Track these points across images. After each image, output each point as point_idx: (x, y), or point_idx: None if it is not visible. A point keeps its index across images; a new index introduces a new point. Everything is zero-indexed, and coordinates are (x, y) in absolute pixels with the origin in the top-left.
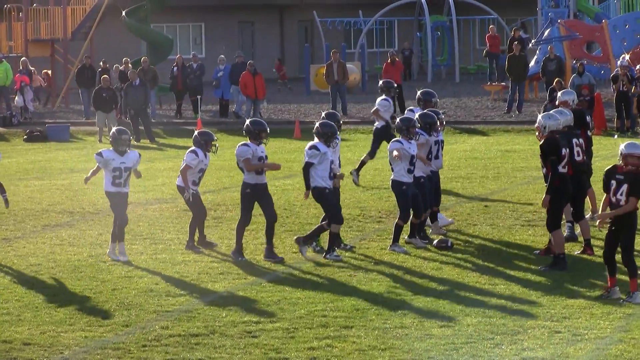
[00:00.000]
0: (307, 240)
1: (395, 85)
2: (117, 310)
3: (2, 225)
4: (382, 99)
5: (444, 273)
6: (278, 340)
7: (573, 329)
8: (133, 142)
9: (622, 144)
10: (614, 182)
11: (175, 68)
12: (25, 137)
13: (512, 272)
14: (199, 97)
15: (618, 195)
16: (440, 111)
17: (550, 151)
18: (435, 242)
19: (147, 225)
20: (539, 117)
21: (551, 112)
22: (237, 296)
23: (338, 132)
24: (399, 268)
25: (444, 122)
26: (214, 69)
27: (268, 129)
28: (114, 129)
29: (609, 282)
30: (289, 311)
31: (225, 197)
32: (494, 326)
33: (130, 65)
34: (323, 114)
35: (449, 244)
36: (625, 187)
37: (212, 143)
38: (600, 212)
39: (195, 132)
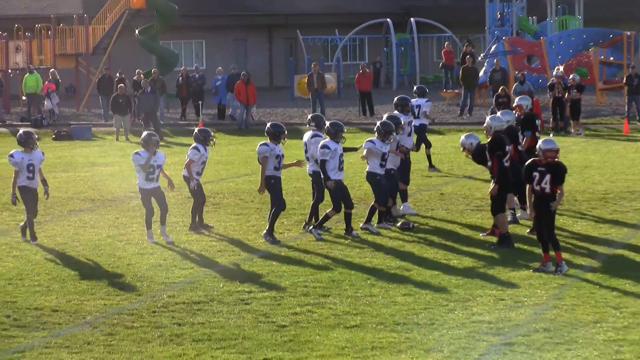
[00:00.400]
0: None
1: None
2: (131, 281)
3: None
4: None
5: (407, 249)
6: (267, 306)
7: (515, 297)
8: None
9: (539, 141)
10: (536, 174)
11: (180, 78)
12: (53, 136)
13: (464, 249)
14: (200, 102)
15: (542, 184)
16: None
17: (496, 148)
18: (399, 224)
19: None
20: (487, 118)
21: (497, 114)
22: (232, 270)
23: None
24: (368, 245)
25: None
26: (213, 78)
27: (286, 131)
28: (144, 133)
29: (544, 258)
30: (276, 282)
31: (222, 186)
32: (448, 295)
33: (142, 75)
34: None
35: (411, 226)
36: (548, 177)
37: (210, 138)
38: (528, 200)
39: (196, 130)
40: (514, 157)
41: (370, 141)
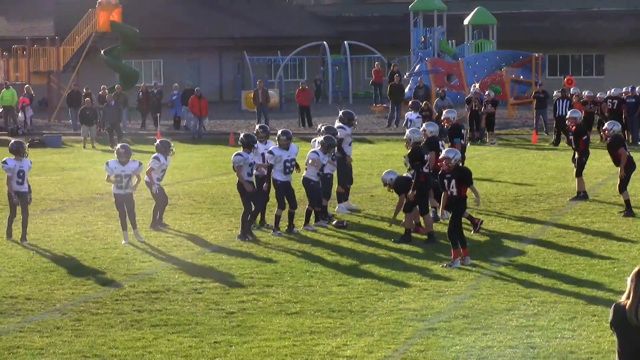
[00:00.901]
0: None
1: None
2: (96, 273)
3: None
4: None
5: (341, 245)
6: (217, 295)
7: (437, 287)
8: (107, 148)
9: (443, 151)
10: (445, 181)
11: (140, 93)
12: (28, 144)
13: (391, 245)
14: (158, 114)
15: (451, 189)
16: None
17: (415, 158)
18: (334, 222)
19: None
20: (407, 132)
21: (418, 127)
22: (186, 262)
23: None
24: (307, 242)
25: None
26: (170, 93)
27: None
28: (118, 146)
29: (453, 254)
30: (225, 274)
31: (177, 189)
32: (378, 285)
33: (106, 90)
34: (322, 128)
35: (344, 224)
36: (454, 181)
37: (170, 149)
38: (442, 203)
39: (157, 141)
40: (435, 165)
41: (315, 152)
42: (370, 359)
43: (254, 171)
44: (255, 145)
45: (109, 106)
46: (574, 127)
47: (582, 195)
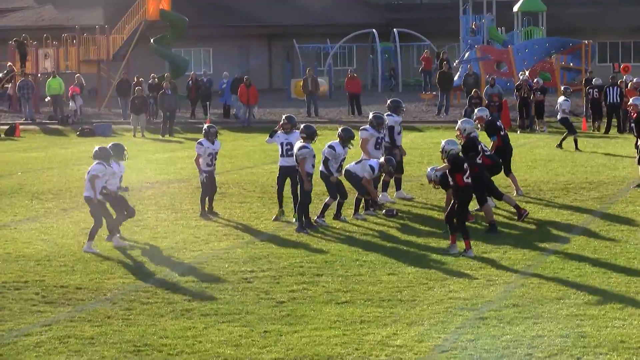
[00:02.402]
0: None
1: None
2: (146, 262)
3: (60, 199)
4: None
5: (391, 234)
6: (267, 284)
7: (487, 276)
8: (158, 137)
9: (442, 141)
10: (467, 166)
11: (190, 81)
12: (78, 133)
13: (441, 234)
14: (208, 103)
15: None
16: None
17: (469, 149)
18: (384, 211)
19: (169, 198)
20: (459, 122)
21: (468, 119)
22: (236, 251)
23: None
24: (356, 231)
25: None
26: (219, 82)
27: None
28: (206, 126)
29: (451, 239)
30: (275, 263)
31: (227, 178)
32: (428, 274)
33: (165, 78)
34: (340, 130)
35: (395, 212)
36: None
37: (204, 130)
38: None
39: (205, 125)
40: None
41: (331, 147)
42: (420, 348)
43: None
44: (278, 134)
45: (166, 94)
46: (635, 115)
47: None
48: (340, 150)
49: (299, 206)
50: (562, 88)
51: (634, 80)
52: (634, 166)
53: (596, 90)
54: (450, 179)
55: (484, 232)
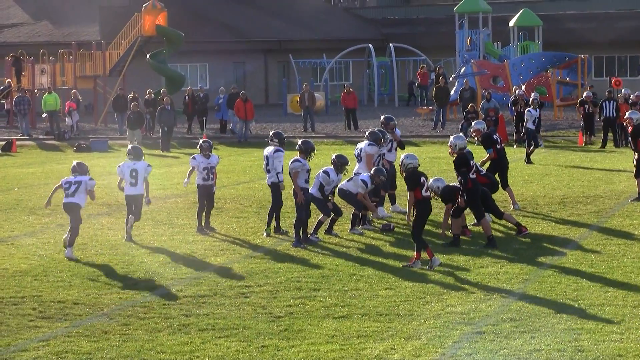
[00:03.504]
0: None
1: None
2: (143, 277)
3: (57, 215)
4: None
5: (388, 249)
6: (264, 299)
7: (484, 291)
8: (155, 152)
9: (402, 155)
10: (424, 179)
11: (186, 97)
12: (74, 148)
13: (438, 247)
14: (204, 118)
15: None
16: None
17: (461, 164)
18: (381, 225)
19: (166, 214)
20: (451, 138)
21: (459, 134)
22: (233, 266)
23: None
24: (353, 246)
25: (389, 138)
26: (216, 97)
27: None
28: (200, 141)
29: (415, 256)
30: (272, 278)
31: (224, 192)
32: (425, 288)
33: (153, 95)
34: (333, 157)
35: (391, 227)
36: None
37: (199, 146)
38: (409, 206)
39: (200, 141)
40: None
41: (325, 172)
42: None
43: (268, 178)
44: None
45: (165, 110)
46: (631, 128)
47: None
48: (335, 177)
49: (295, 221)
50: (531, 99)
51: (622, 91)
52: (630, 180)
53: (588, 105)
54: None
55: (483, 247)
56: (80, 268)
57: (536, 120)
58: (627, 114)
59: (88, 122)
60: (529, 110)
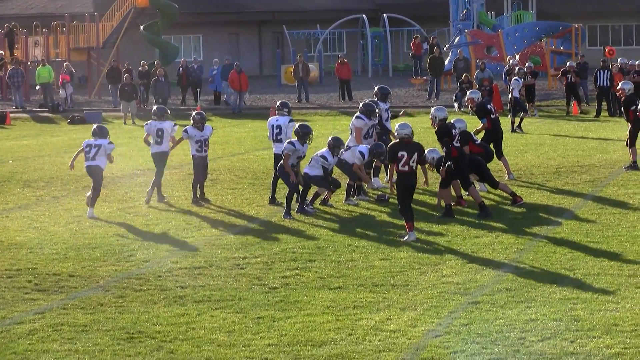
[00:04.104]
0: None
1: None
2: (139, 249)
3: (52, 187)
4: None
5: (383, 219)
6: (260, 270)
7: (479, 261)
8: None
9: (396, 124)
10: (404, 153)
11: (180, 68)
12: (68, 120)
13: (433, 218)
14: (198, 89)
15: (410, 163)
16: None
17: (443, 134)
18: (376, 196)
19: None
20: (432, 110)
21: (440, 106)
22: (228, 238)
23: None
24: (348, 215)
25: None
26: (210, 69)
27: (313, 133)
28: (194, 114)
29: (408, 227)
30: (267, 249)
31: (219, 164)
32: (420, 259)
33: (147, 66)
34: (330, 139)
35: (386, 198)
36: (415, 155)
37: (192, 118)
38: (389, 178)
39: (193, 113)
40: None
41: (323, 157)
42: (413, 333)
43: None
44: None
45: (159, 81)
46: (623, 97)
47: (634, 165)
48: (332, 159)
49: (287, 194)
50: (516, 69)
51: (619, 60)
52: (624, 149)
53: (571, 74)
54: (413, 164)
55: (476, 217)
56: (75, 240)
57: (521, 90)
58: (619, 84)
59: (82, 95)
60: (516, 79)
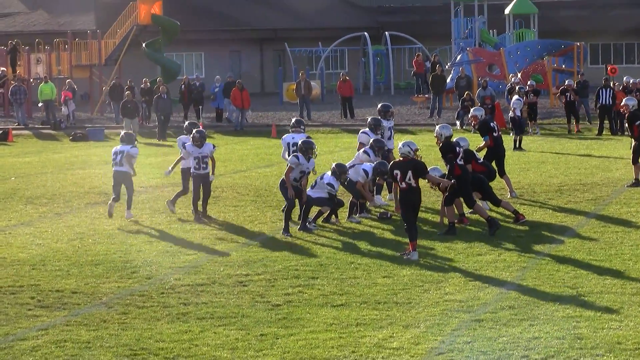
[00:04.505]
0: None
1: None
2: (141, 266)
3: (54, 204)
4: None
5: (385, 236)
6: (262, 287)
7: (482, 279)
8: (151, 141)
9: (399, 143)
10: (398, 172)
11: (182, 85)
12: (70, 137)
13: (435, 235)
14: (200, 107)
15: (407, 180)
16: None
17: (447, 151)
18: (378, 214)
19: (163, 203)
20: (437, 127)
21: (445, 124)
22: (231, 255)
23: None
24: (351, 234)
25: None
26: (212, 86)
27: (316, 149)
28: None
29: (411, 246)
30: (270, 266)
31: (221, 181)
32: (423, 276)
33: (149, 84)
34: (334, 165)
35: (389, 215)
36: (410, 173)
37: (191, 136)
38: (394, 197)
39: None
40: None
41: (330, 185)
42: (416, 351)
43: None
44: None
45: (162, 98)
46: (627, 115)
47: (637, 182)
48: (337, 186)
49: (285, 210)
50: (517, 88)
51: (624, 79)
52: (627, 167)
53: (570, 93)
54: (411, 181)
55: (487, 232)
56: (78, 257)
57: (524, 108)
58: (623, 100)
59: (84, 112)
60: (517, 99)
